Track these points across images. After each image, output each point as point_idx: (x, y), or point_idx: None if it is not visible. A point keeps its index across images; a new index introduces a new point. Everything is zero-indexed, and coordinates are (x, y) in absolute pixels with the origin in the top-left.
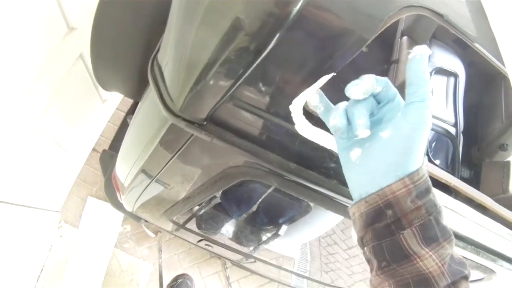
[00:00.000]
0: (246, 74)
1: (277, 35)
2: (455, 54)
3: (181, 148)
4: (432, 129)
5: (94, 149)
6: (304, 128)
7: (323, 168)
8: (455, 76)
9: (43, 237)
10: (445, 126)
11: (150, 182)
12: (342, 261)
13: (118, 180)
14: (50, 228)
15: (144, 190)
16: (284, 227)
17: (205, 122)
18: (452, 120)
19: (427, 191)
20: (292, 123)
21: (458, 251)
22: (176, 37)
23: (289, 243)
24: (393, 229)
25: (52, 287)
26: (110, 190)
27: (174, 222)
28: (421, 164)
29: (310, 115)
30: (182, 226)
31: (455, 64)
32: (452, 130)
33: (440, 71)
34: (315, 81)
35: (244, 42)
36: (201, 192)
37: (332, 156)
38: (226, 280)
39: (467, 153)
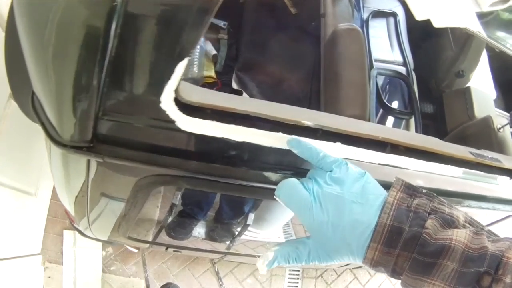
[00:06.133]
0: (102, 86)
1: (108, 43)
2: None
3: (88, 174)
4: (382, 73)
5: None
6: (185, 122)
7: (225, 158)
8: (394, 15)
9: (32, 283)
10: (394, 68)
11: (89, 213)
12: None
13: (70, 215)
14: (37, 272)
15: (90, 219)
16: (251, 216)
17: (92, 144)
18: (400, 60)
19: (398, 232)
20: (172, 121)
21: None
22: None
23: (269, 229)
24: (395, 277)
25: None
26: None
27: (132, 239)
28: (374, 214)
29: (189, 107)
30: (143, 241)
31: (392, 3)
32: (402, 70)
33: (377, 14)
34: (172, 72)
35: (85, 57)
36: (132, 207)
37: (228, 144)
38: (216, 276)
39: (426, 89)
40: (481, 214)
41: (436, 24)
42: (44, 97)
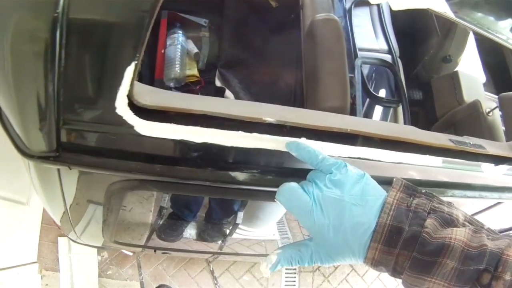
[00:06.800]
0: (58, 96)
1: (56, 54)
2: None
3: (61, 184)
4: (366, 62)
5: None
6: (143, 126)
7: (189, 160)
8: (377, 3)
9: None
10: (379, 56)
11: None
12: None
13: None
14: (34, 281)
15: (79, 229)
16: (240, 214)
17: (58, 153)
18: (385, 48)
19: (398, 231)
20: (131, 126)
21: None
22: None
23: (263, 227)
24: (396, 276)
25: None
26: None
27: (119, 243)
28: (374, 215)
29: (146, 110)
30: (132, 245)
31: None
32: (388, 58)
33: (360, 2)
34: (121, 78)
35: (37, 70)
36: (109, 212)
37: (190, 146)
38: (211, 275)
39: (414, 75)
40: (469, 203)
41: (394, 6)
42: (7, 110)
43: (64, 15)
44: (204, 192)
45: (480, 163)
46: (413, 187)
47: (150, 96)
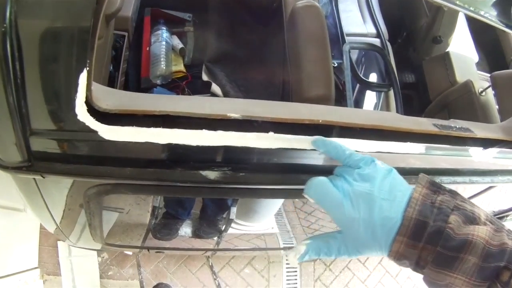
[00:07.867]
0: (19, 108)
1: (10, 67)
2: None
3: (41, 193)
4: (354, 47)
5: None
6: (106, 131)
7: (157, 162)
8: None
9: None
10: (368, 40)
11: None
12: (322, 216)
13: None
14: (36, 286)
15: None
16: (233, 209)
17: (30, 163)
18: (374, 32)
19: (423, 226)
20: (95, 131)
21: None
22: None
23: (262, 220)
24: (418, 270)
25: None
26: None
27: (109, 245)
28: (402, 210)
29: (108, 115)
30: (118, 246)
31: None
32: (377, 42)
33: None
34: (76, 85)
35: None
36: (91, 217)
37: (155, 148)
38: (210, 270)
39: (405, 58)
40: (459, 188)
41: None
42: None
43: (12, 27)
44: (181, 193)
45: (467, 147)
46: (438, 184)
47: (111, 99)
